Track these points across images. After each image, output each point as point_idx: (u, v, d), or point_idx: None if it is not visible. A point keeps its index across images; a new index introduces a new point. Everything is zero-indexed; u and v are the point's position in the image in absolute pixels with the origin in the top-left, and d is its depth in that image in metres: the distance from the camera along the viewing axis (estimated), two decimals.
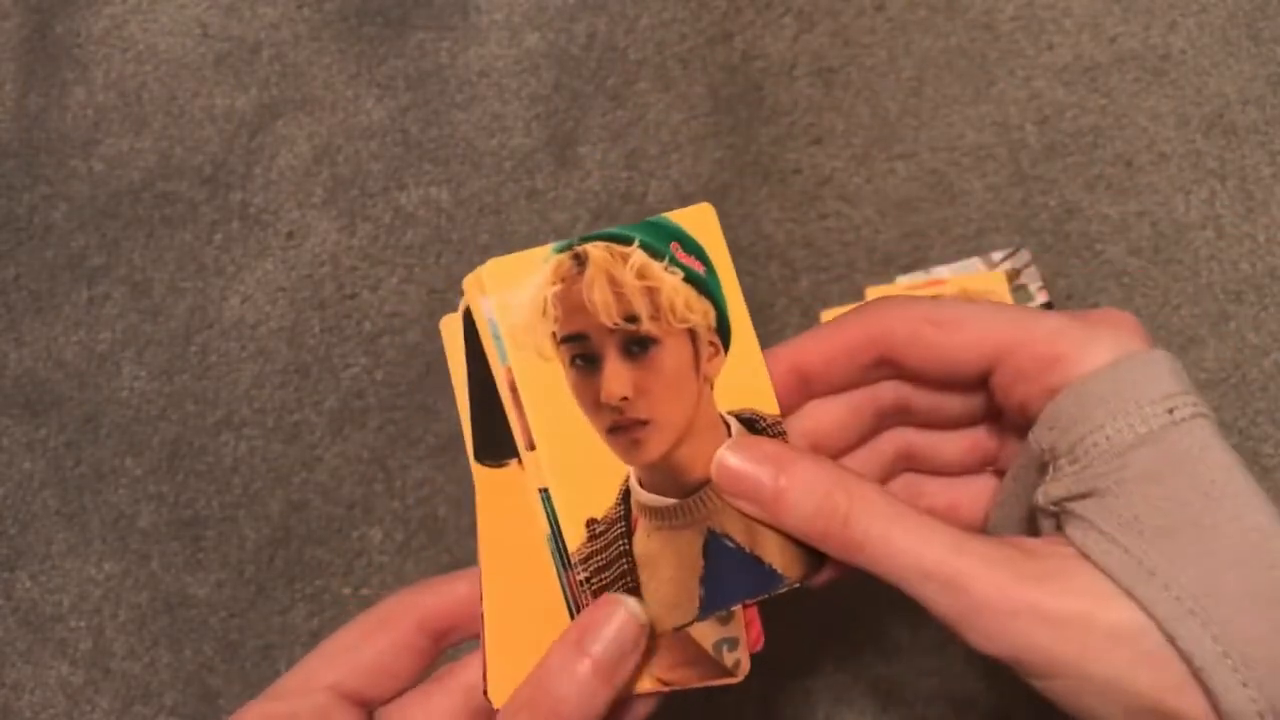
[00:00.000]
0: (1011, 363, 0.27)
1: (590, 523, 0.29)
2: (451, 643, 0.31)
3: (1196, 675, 0.23)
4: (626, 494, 0.29)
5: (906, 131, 0.48)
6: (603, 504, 0.29)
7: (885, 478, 0.32)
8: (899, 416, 0.31)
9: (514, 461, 0.29)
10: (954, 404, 0.30)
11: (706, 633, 0.29)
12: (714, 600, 0.29)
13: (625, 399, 0.29)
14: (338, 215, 0.49)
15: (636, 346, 0.29)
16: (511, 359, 0.29)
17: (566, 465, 0.29)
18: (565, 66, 0.50)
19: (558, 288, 0.29)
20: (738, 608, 0.30)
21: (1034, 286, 0.45)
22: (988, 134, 0.48)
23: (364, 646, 0.29)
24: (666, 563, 0.29)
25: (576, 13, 0.51)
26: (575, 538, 0.28)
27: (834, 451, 0.31)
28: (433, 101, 0.50)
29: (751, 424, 0.30)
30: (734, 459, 0.29)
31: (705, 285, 0.30)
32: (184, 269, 0.49)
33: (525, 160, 0.49)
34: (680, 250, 0.30)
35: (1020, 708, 0.42)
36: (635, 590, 0.29)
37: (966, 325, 0.27)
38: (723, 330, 0.30)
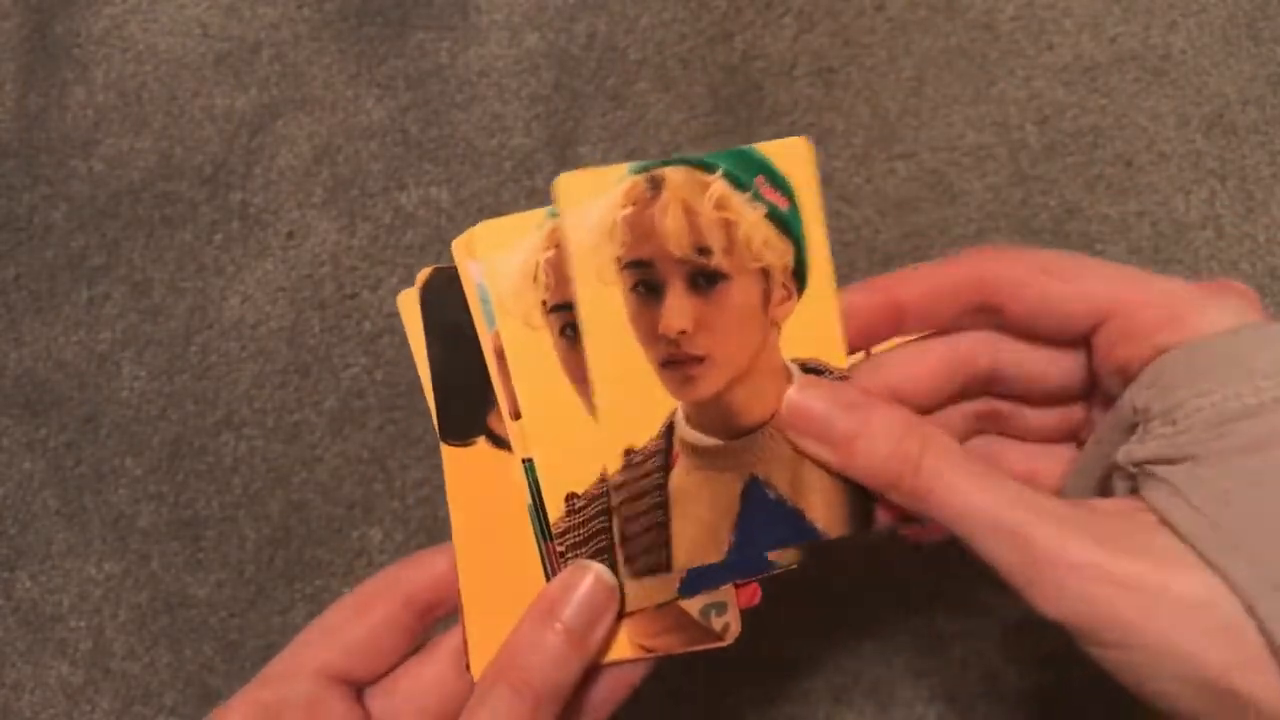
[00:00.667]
0: (1122, 318, 0.26)
1: (570, 496, 0.28)
2: (437, 617, 0.30)
3: (1276, 654, 0.21)
4: (670, 429, 0.28)
5: (906, 131, 0.48)
6: (586, 479, 0.28)
7: (964, 435, 0.31)
8: (987, 385, 0.30)
9: (481, 440, 0.29)
10: (1049, 372, 0.29)
11: (692, 599, 0.29)
12: (745, 545, 0.28)
13: (684, 333, 0.28)
14: (338, 215, 0.49)
15: (704, 280, 0.28)
16: (500, 325, 0.28)
17: (550, 437, 0.28)
18: (565, 66, 0.50)
19: (629, 210, 0.28)
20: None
21: None
22: (988, 134, 0.48)
23: (350, 627, 0.29)
24: (701, 503, 0.28)
25: (576, 13, 0.51)
26: (556, 509, 0.28)
27: (916, 410, 0.30)
28: (433, 101, 0.50)
29: (816, 374, 0.28)
30: (807, 397, 0.28)
31: (787, 224, 0.28)
32: (184, 269, 0.49)
33: (525, 160, 0.49)
34: (766, 185, 0.28)
35: (1022, 709, 0.42)
36: (665, 525, 0.28)
37: (1082, 276, 0.26)
38: (799, 273, 0.28)
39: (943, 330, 0.29)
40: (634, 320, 0.28)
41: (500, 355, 0.28)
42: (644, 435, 0.28)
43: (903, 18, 0.50)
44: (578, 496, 0.28)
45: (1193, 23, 0.48)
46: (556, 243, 0.28)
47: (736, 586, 0.29)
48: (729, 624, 0.29)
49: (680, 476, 0.28)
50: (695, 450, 0.28)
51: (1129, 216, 0.46)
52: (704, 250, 0.28)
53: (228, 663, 0.45)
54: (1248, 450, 0.23)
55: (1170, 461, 0.24)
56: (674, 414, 0.28)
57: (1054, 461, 0.30)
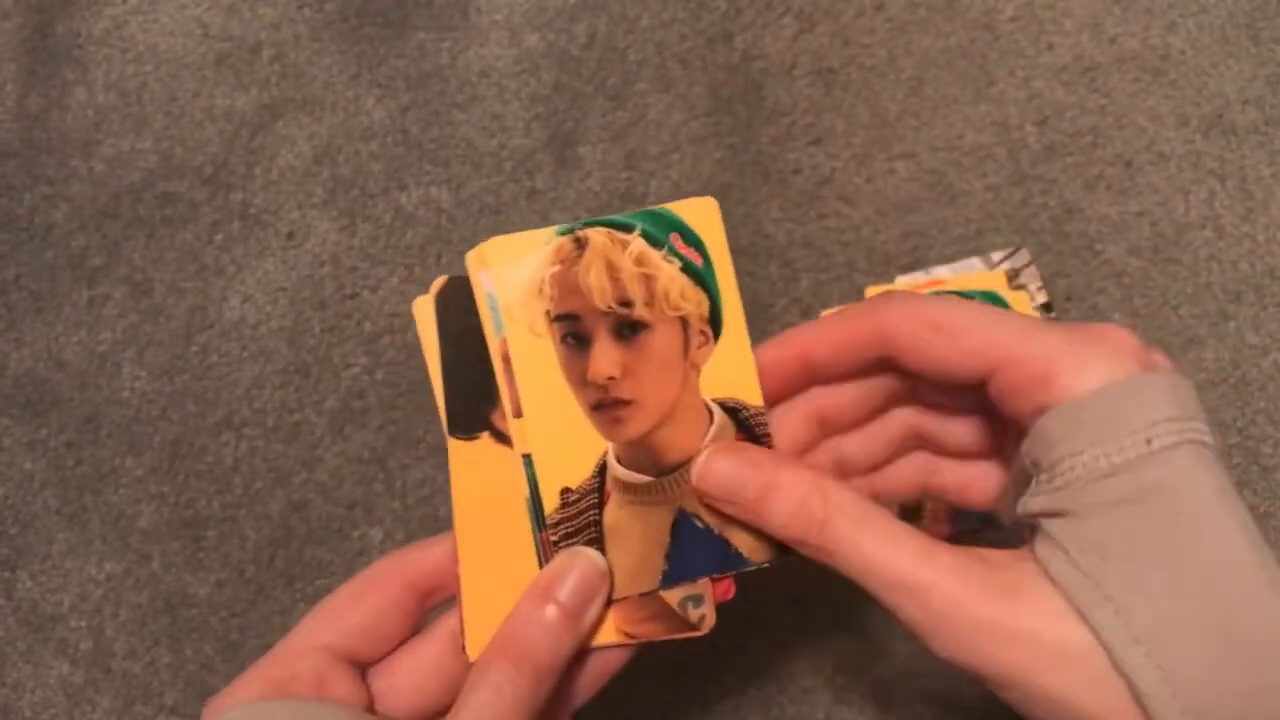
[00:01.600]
0: (1006, 376, 0.27)
1: (564, 491, 0.30)
2: (436, 602, 0.32)
3: (1139, 701, 0.23)
4: (603, 468, 0.31)
5: (906, 131, 0.48)
6: (579, 474, 0.30)
7: (894, 455, 0.33)
8: (908, 397, 0.32)
9: (485, 434, 0.31)
10: (959, 398, 0.31)
11: (672, 590, 0.31)
12: (676, 574, 0.31)
13: (612, 378, 0.30)
14: (338, 215, 0.49)
15: (627, 330, 0.30)
16: (506, 331, 0.30)
17: (548, 435, 0.30)
18: (565, 66, 0.50)
19: (556, 269, 0.30)
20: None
21: (1033, 286, 0.45)
22: (987, 134, 0.48)
23: (355, 609, 0.31)
24: (634, 535, 0.31)
25: (576, 13, 0.51)
26: (551, 502, 0.30)
27: (841, 427, 0.32)
28: (433, 102, 0.50)
29: (734, 412, 0.31)
30: (718, 464, 0.30)
31: (701, 276, 0.31)
32: (184, 269, 0.49)
33: (525, 160, 0.49)
34: (680, 241, 0.31)
35: None
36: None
37: (966, 333, 0.28)
38: (715, 321, 0.31)
39: (857, 378, 0.31)
40: (565, 368, 0.30)
41: (506, 359, 0.31)
42: (579, 475, 0.30)
43: (902, 18, 0.50)
44: (571, 490, 0.30)
45: (1192, 23, 0.48)
46: (562, 259, 0.31)
47: (713, 581, 0.31)
48: (705, 615, 0.31)
49: (613, 512, 0.31)
50: (626, 487, 0.31)
51: (1129, 216, 0.46)
52: (626, 303, 0.30)
53: (228, 662, 0.45)
54: (1117, 506, 0.25)
55: (1054, 515, 0.26)
56: (605, 455, 0.30)
57: (982, 473, 0.32)
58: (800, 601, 0.43)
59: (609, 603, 0.30)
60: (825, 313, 0.46)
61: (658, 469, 0.31)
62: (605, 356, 0.30)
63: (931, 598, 0.25)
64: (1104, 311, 0.45)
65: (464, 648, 0.30)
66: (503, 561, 0.30)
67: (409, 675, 0.31)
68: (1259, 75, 0.47)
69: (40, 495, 0.48)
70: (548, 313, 0.30)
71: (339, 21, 0.52)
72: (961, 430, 0.32)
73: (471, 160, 0.50)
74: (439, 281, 0.32)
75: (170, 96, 0.52)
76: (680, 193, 0.48)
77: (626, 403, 0.30)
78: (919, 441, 0.33)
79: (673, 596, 0.31)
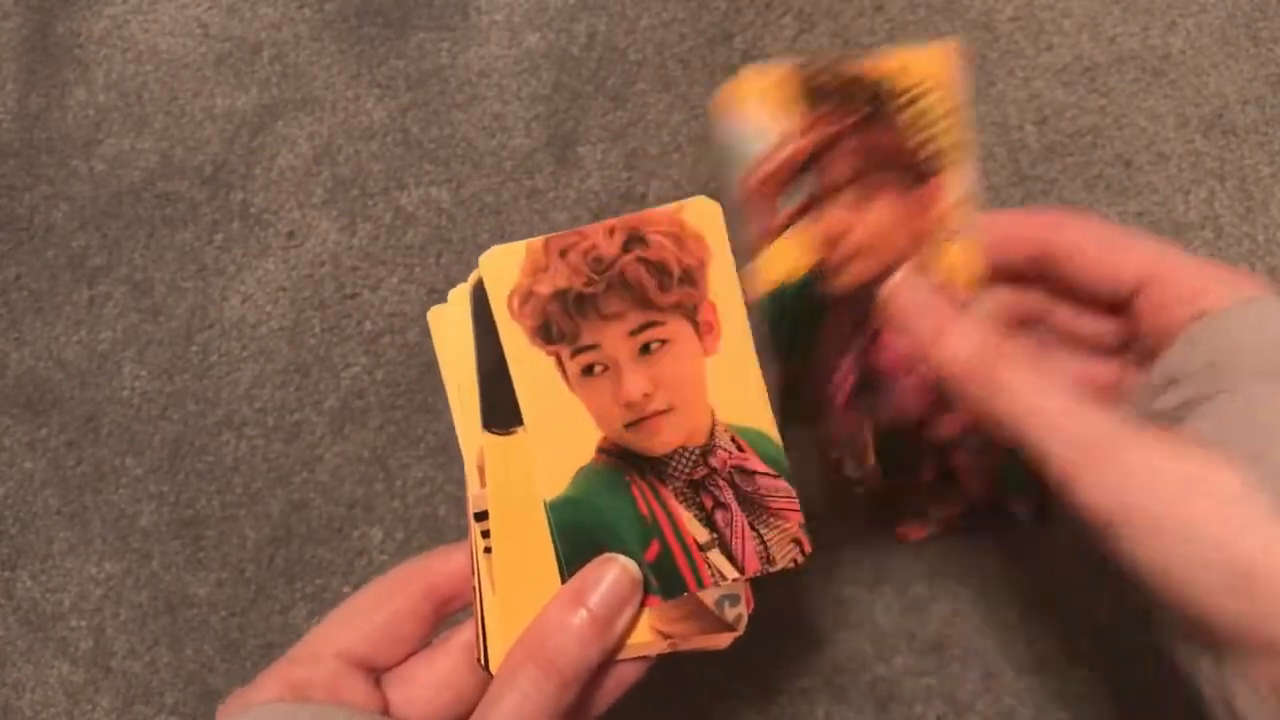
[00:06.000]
0: (1160, 287, 0.29)
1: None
2: (453, 610, 0.32)
3: None
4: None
5: None
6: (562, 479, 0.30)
7: (1020, 323, 0.34)
8: (1033, 329, 0.33)
9: (519, 429, 0.30)
10: (1090, 327, 0.32)
11: (708, 590, 0.30)
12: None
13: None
14: (338, 215, 0.49)
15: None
16: (503, 337, 0.30)
17: (549, 441, 0.30)
18: (565, 66, 0.50)
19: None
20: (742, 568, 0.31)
21: None
22: (987, 134, 0.48)
23: (372, 614, 0.31)
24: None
25: (576, 13, 0.51)
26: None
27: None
28: (433, 101, 0.51)
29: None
30: (911, 288, 0.31)
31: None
32: (185, 269, 0.49)
33: (525, 160, 0.49)
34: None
35: (1022, 706, 0.42)
36: None
37: (1130, 248, 0.30)
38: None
39: (1004, 279, 0.32)
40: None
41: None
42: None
43: (902, 18, 0.50)
44: None
45: (1192, 23, 0.48)
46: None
47: (746, 581, 0.31)
48: (741, 614, 0.30)
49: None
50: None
51: (1128, 216, 0.46)
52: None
53: (228, 662, 0.45)
54: (1270, 388, 0.26)
55: (1207, 399, 0.27)
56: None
57: (1103, 369, 0.33)
58: (800, 601, 0.43)
59: (640, 608, 0.30)
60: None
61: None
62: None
63: (1089, 438, 0.26)
64: None
65: (480, 659, 0.30)
66: (536, 565, 0.30)
67: (424, 687, 0.31)
68: (1259, 75, 0.47)
69: (40, 495, 0.48)
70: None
71: (339, 21, 0.52)
72: (1086, 323, 0.33)
73: (471, 160, 0.50)
74: (476, 273, 0.31)
75: (170, 96, 0.52)
76: (681, 192, 0.48)
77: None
78: (1040, 323, 0.34)
79: (709, 596, 0.30)
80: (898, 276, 0.31)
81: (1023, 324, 0.33)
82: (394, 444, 0.47)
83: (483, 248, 0.30)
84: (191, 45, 0.52)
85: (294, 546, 0.46)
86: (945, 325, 0.29)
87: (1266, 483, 0.24)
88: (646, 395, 0.30)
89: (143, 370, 0.48)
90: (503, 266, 0.30)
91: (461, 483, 0.46)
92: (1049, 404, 0.27)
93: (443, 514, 0.46)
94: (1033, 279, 0.32)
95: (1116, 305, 0.31)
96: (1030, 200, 0.47)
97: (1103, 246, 0.30)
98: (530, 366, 0.30)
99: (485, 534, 0.30)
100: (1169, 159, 0.47)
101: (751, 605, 0.31)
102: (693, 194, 0.48)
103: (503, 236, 0.47)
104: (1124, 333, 0.31)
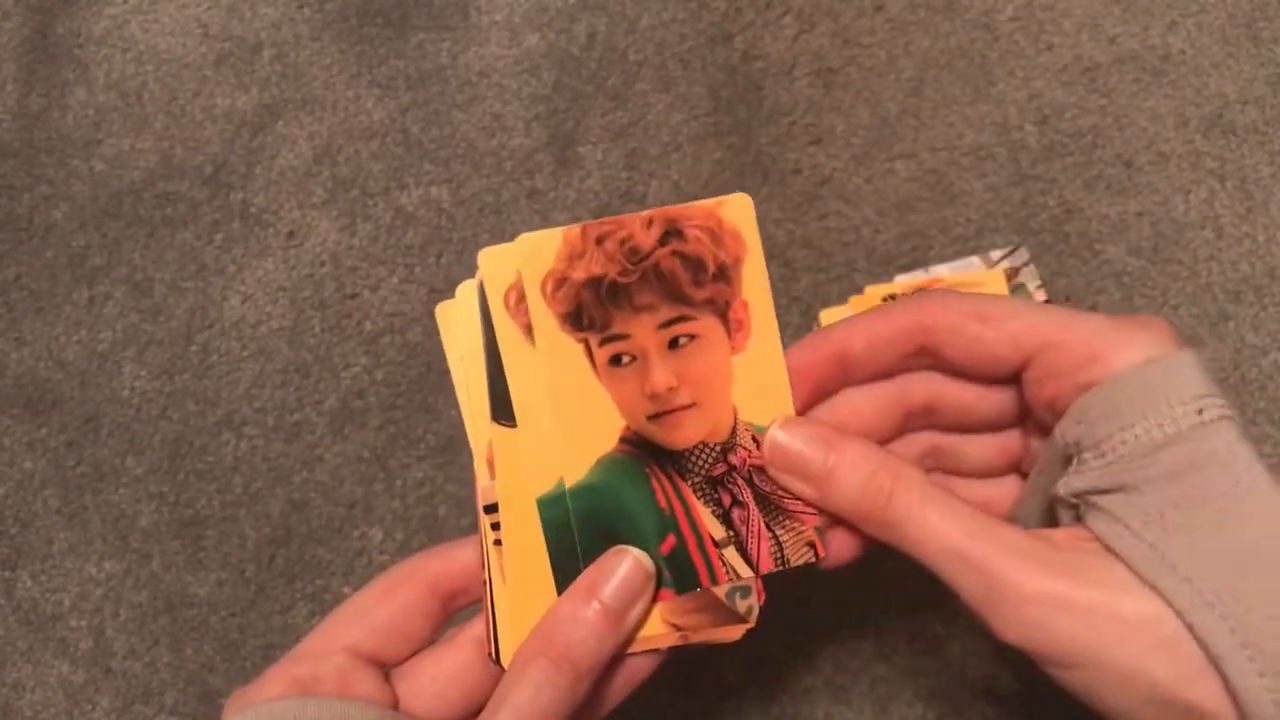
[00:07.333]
0: (1047, 359, 0.27)
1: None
2: (460, 606, 0.32)
3: (1215, 664, 0.23)
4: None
5: (906, 131, 0.48)
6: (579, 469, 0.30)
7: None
8: (927, 418, 0.32)
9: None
10: (982, 405, 0.31)
11: (748, 575, 0.30)
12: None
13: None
14: (338, 215, 0.49)
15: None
16: (498, 332, 0.30)
17: (536, 440, 0.30)
18: (565, 66, 0.50)
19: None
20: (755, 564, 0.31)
21: (1032, 285, 0.45)
22: (987, 134, 0.48)
23: (379, 609, 0.30)
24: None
25: (576, 13, 0.51)
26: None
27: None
28: (433, 101, 0.51)
29: None
30: (786, 437, 0.29)
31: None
32: (185, 269, 0.49)
33: (525, 160, 0.49)
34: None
35: (1020, 710, 0.42)
36: None
37: (1008, 320, 0.28)
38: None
39: (888, 374, 0.31)
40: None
41: None
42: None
43: (902, 18, 0.50)
44: None
45: (1192, 23, 0.48)
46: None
47: (759, 574, 0.31)
48: (752, 607, 0.30)
49: None
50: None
51: (1129, 216, 0.46)
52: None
53: (228, 662, 0.45)
54: (1175, 476, 0.25)
55: (1106, 491, 0.26)
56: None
57: (1000, 493, 0.32)
58: (800, 601, 0.43)
59: (653, 602, 0.30)
60: (824, 313, 0.46)
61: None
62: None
63: (996, 573, 0.25)
64: (1104, 311, 0.45)
65: (492, 653, 0.30)
66: (545, 560, 0.30)
67: (432, 682, 0.30)
68: (1259, 75, 0.47)
69: (40, 495, 0.48)
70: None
71: (339, 21, 0.52)
72: (979, 447, 0.32)
73: (471, 160, 0.50)
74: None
75: (170, 96, 0.52)
76: (680, 193, 0.48)
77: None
78: (934, 462, 0.33)
79: (720, 588, 0.30)
80: (773, 429, 0.30)
81: (916, 420, 0.32)
82: (394, 444, 0.46)
83: (483, 247, 0.30)
84: (191, 45, 0.52)
85: (294, 546, 0.46)
86: (835, 460, 0.29)
87: (1178, 597, 0.24)
88: (672, 389, 0.30)
89: (143, 370, 0.48)
90: (537, 252, 0.30)
91: (462, 482, 0.46)
92: (949, 535, 0.26)
93: (443, 514, 0.46)
94: (922, 366, 0.31)
95: (1007, 379, 0.29)
96: (1030, 200, 0.47)
97: (980, 323, 0.28)
98: (557, 352, 0.30)
99: (495, 526, 0.30)
100: (1169, 159, 0.47)
101: (763, 598, 0.30)
102: (693, 194, 0.48)
103: (503, 236, 0.47)
104: (1018, 407, 0.30)
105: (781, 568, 0.30)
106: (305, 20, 0.52)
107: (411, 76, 0.51)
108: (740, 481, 0.30)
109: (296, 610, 0.45)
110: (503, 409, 0.30)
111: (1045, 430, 0.29)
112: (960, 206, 0.47)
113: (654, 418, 0.30)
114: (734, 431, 0.30)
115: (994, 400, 0.30)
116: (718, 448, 0.30)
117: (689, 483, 0.30)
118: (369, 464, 0.46)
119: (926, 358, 0.30)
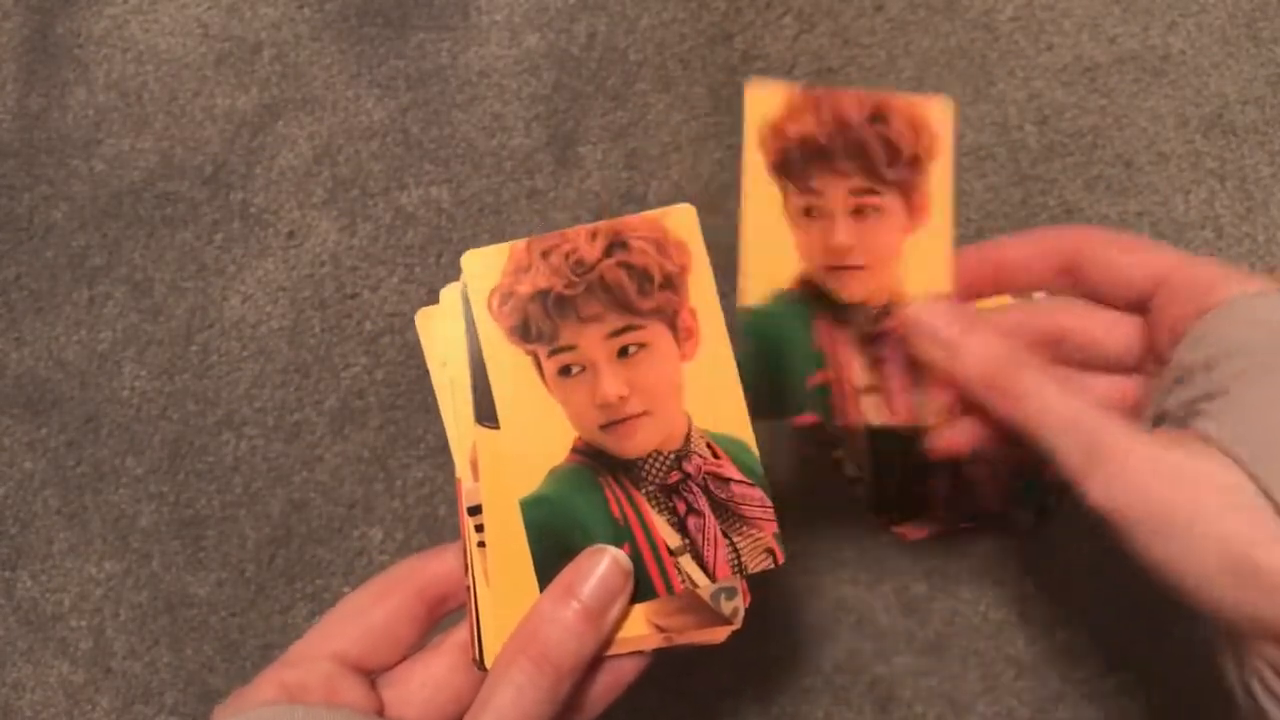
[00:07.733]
0: (1174, 282, 0.31)
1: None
2: (447, 611, 0.32)
3: None
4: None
5: None
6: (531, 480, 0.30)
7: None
8: (1054, 349, 0.34)
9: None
10: (1108, 339, 0.33)
11: (704, 583, 0.31)
12: None
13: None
14: (338, 215, 0.49)
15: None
16: (481, 335, 0.31)
17: (521, 442, 0.30)
18: (565, 66, 0.50)
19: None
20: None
21: None
22: (988, 134, 0.48)
23: (365, 616, 0.31)
24: None
25: (576, 13, 0.51)
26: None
27: None
28: (433, 101, 0.51)
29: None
30: (929, 307, 0.33)
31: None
32: (185, 269, 0.49)
33: (525, 160, 0.49)
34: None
35: (1022, 706, 0.42)
36: None
37: (1144, 252, 0.32)
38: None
39: (1032, 288, 0.35)
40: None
41: None
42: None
43: (902, 18, 0.50)
44: None
45: (1192, 23, 0.48)
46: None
47: (742, 576, 0.31)
48: (738, 608, 0.30)
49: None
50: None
51: (1129, 216, 0.46)
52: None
53: (228, 662, 0.45)
54: (1272, 383, 0.27)
55: (1210, 398, 0.28)
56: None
57: (1122, 385, 0.34)
58: (801, 601, 0.43)
59: (631, 603, 0.30)
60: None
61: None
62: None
63: (1100, 439, 0.27)
64: None
65: (475, 656, 0.30)
66: (528, 563, 0.30)
67: (419, 688, 0.31)
68: (1259, 75, 0.47)
69: (40, 495, 0.48)
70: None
71: (339, 21, 0.52)
72: (1100, 386, 0.34)
73: (471, 160, 0.50)
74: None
75: (170, 96, 0.52)
76: (680, 192, 0.48)
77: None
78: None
79: (705, 589, 0.30)
80: (914, 306, 0.33)
81: (1043, 350, 0.34)
82: (394, 444, 0.46)
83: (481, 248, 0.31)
84: (191, 45, 0.52)
85: (294, 546, 0.46)
86: (968, 336, 0.31)
87: (1259, 468, 0.25)
88: (623, 397, 0.30)
89: (143, 370, 0.48)
90: (483, 268, 0.30)
91: None
92: (1064, 408, 0.29)
93: (442, 514, 0.46)
94: (1057, 290, 0.34)
95: (1136, 307, 0.32)
96: (1030, 200, 0.47)
97: (1125, 251, 0.32)
98: (507, 364, 0.30)
99: (479, 528, 0.30)
100: (1169, 159, 0.47)
101: (748, 599, 0.30)
102: (694, 194, 0.48)
103: (503, 236, 0.47)
104: (1142, 348, 0.32)
105: (739, 575, 0.30)
106: (305, 20, 0.52)
107: (411, 76, 0.51)
108: (696, 489, 0.30)
109: (296, 610, 0.45)
110: (486, 410, 0.30)
111: (1162, 358, 0.31)
112: (960, 206, 0.47)
113: (606, 427, 0.30)
114: (688, 439, 0.30)
115: (1120, 336, 0.33)
116: (671, 456, 0.30)
117: (643, 491, 0.30)
118: (369, 464, 0.46)
119: (1068, 278, 0.33)
